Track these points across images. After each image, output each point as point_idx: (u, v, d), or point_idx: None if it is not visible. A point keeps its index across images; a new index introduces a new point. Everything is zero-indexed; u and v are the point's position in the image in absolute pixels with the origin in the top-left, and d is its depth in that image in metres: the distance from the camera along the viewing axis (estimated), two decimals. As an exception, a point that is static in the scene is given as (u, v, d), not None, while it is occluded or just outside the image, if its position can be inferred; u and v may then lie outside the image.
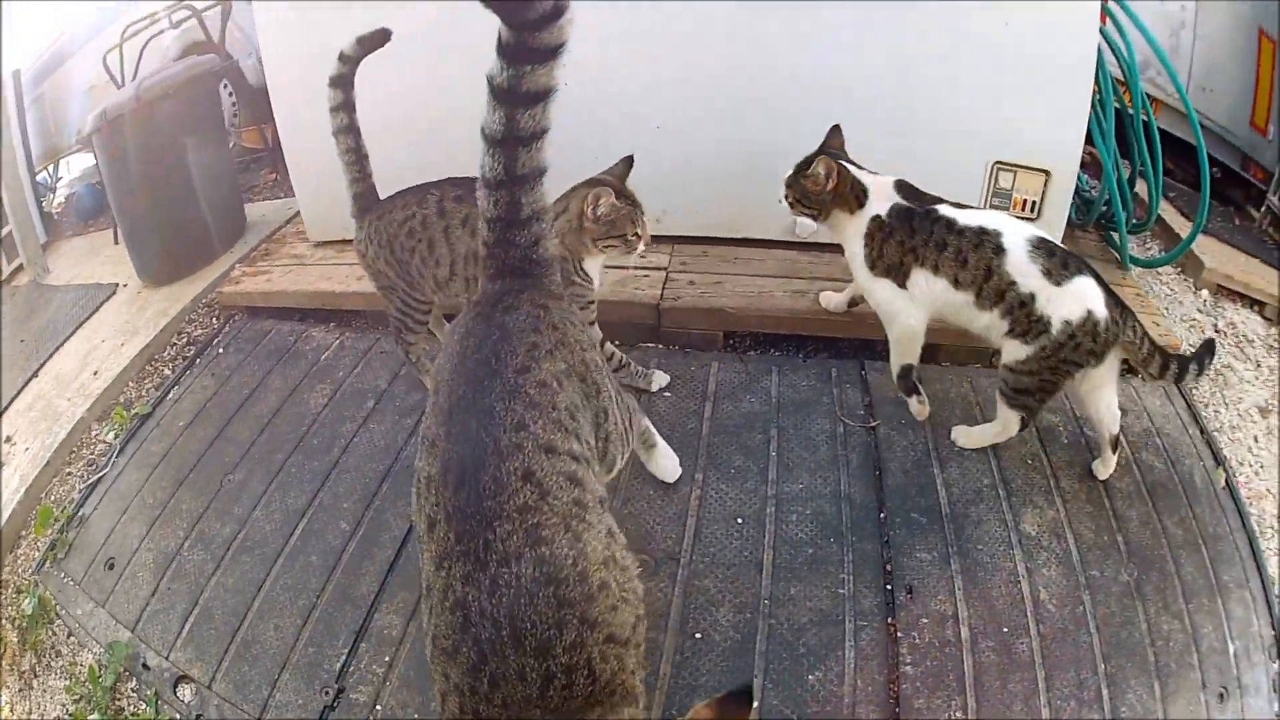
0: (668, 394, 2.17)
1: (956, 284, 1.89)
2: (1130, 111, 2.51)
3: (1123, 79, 2.47)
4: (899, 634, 1.67)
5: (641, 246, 1.91)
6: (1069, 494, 1.99)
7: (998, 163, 2.38)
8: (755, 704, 1.49)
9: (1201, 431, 2.32)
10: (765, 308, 2.31)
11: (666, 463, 1.89)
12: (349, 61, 1.92)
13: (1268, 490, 2.33)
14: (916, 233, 1.91)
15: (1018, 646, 1.68)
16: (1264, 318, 2.88)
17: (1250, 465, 2.39)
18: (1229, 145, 3.43)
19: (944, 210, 1.92)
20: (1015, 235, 1.86)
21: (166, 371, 2.64)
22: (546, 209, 1.34)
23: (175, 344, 2.75)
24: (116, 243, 3.12)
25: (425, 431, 1.19)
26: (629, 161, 1.95)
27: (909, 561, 1.78)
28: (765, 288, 2.39)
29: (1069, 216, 2.47)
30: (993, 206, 2.42)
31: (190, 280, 2.86)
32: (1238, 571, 1.96)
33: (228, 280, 2.68)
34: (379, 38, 1.90)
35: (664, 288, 2.40)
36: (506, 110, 1.19)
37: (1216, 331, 2.71)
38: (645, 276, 2.41)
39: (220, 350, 2.61)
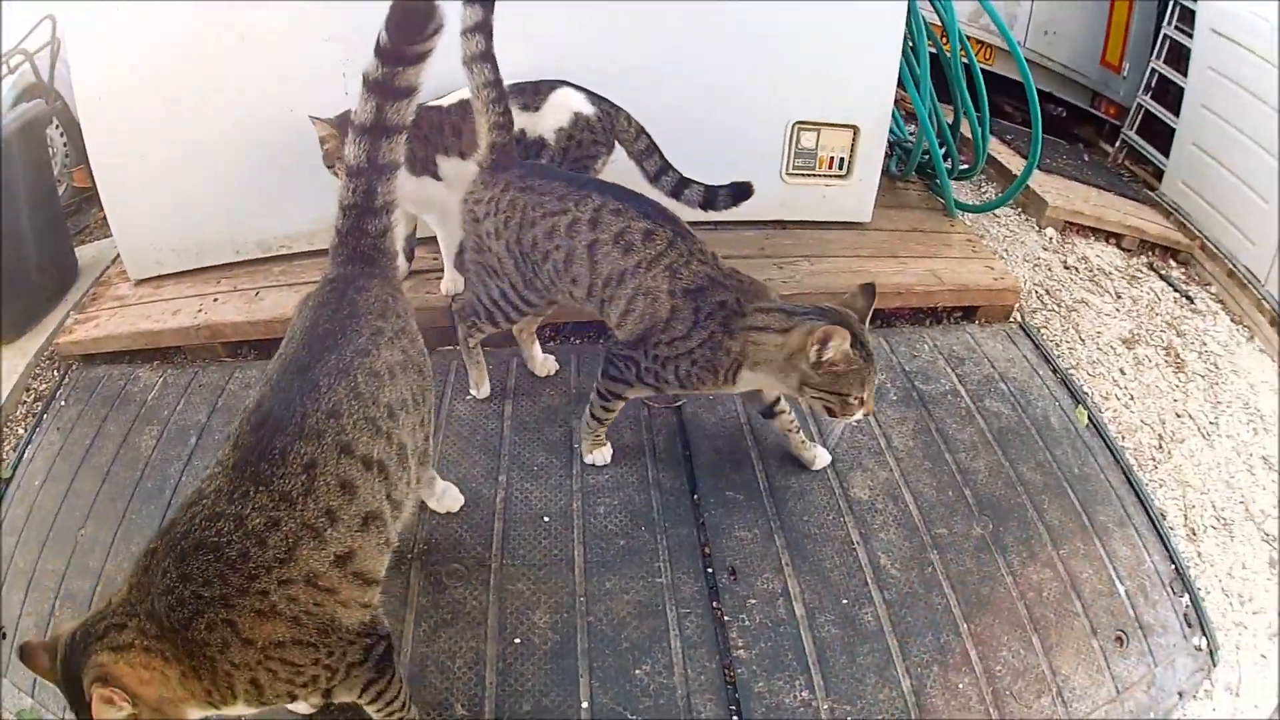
0: (469, 396, 2.09)
1: (462, 155, 2.06)
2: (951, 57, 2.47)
3: (941, 24, 2.43)
4: (726, 618, 1.61)
5: (859, 415, 1.56)
6: (902, 452, 1.94)
7: (798, 123, 2.32)
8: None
9: (1054, 371, 2.29)
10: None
11: (452, 494, 1.80)
12: None
13: (1141, 422, 2.30)
14: (422, 125, 2.04)
15: (862, 617, 1.64)
16: (1122, 249, 2.88)
17: (1118, 399, 2.36)
18: (1076, 85, 3.44)
19: (436, 101, 2.08)
20: None
21: (20, 431, 2.55)
22: (396, 203, 1.42)
23: (25, 401, 2.66)
24: (-31, 299, 2.97)
25: (270, 364, 1.26)
26: (871, 293, 1.58)
27: (728, 542, 1.73)
28: (555, 279, 2.31)
29: (889, 168, 2.43)
30: (796, 169, 2.38)
31: (34, 334, 2.75)
32: (1115, 510, 1.93)
33: (63, 330, 2.58)
34: None
35: (454, 289, 2.32)
36: (378, 101, 1.31)
37: (1066, 268, 2.69)
38: (437, 278, 2.32)
39: (63, 403, 2.52)
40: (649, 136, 2.06)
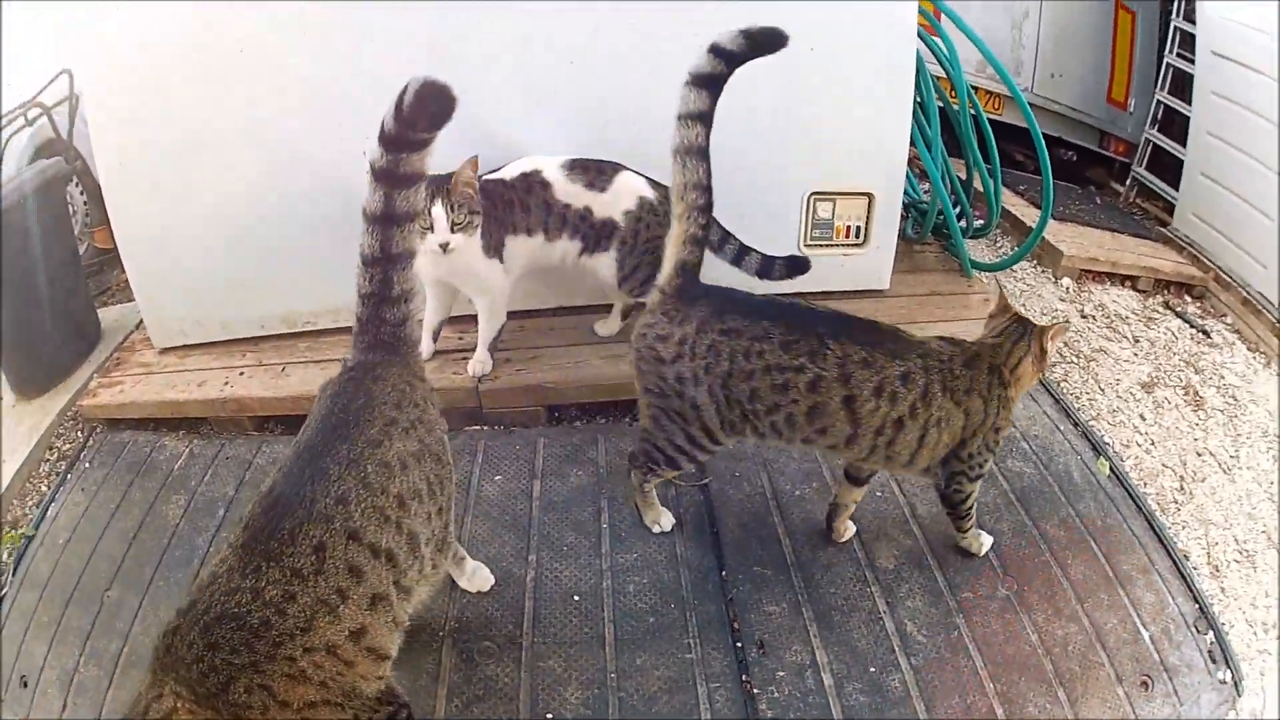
0: (497, 477, 2.11)
1: (529, 231, 2.09)
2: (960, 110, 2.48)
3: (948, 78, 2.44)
4: (755, 690, 1.62)
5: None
6: (926, 520, 1.95)
7: (814, 193, 2.32)
8: None
9: (1075, 424, 2.30)
10: (584, 377, 2.26)
11: (482, 574, 1.80)
12: (727, 60, 1.43)
13: (1163, 465, 2.31)
14: (496, 204, 2.03)
15: (889, 683, 1.64)
16: (1137, 291, 2.87)
17: (1139, 445, 2.37)
18: (1084, 126, 3.45)
19: (495, 174, 2.09)
20: (551, 166, 2.08)
21: (44, 488, 2.58)
22: (416, 290, 1.43)
23: (48, 459, 2.69)
24: (-9, 352, 2.99)
25: (287, 451, 1.30)
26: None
27: (756, 617, 1.74)
28: (582, 356, 2.33)
29: (905, 231, 2.42)
30: (814, 240, 2.40)
31: (56, 393, 2.77)
32: (1139, 557, 1.94)
33: (87, 393, 2.60)
34: (773, 39, 1.44)
35: (482, 368, 2.35)
36: (385, 190, 1.31)
37: (1084, 317, 2.69)
38: (463, 359, 2.33)
39: (87, 465, 2.55)
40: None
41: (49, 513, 2.41)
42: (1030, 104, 2.38)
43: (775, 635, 1.70)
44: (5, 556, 2.32)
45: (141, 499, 2.31)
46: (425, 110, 1.25)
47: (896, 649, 1.70)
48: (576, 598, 1.78)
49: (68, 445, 2.67)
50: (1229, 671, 1.72)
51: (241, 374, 2.39)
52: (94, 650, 1.91)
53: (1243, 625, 1.85)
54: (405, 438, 1.30)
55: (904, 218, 2.60)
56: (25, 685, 1.90)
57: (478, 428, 2.30)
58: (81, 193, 3.24)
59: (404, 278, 1.40)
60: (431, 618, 1.73)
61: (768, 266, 2.11)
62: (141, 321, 2.61)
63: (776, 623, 1.73)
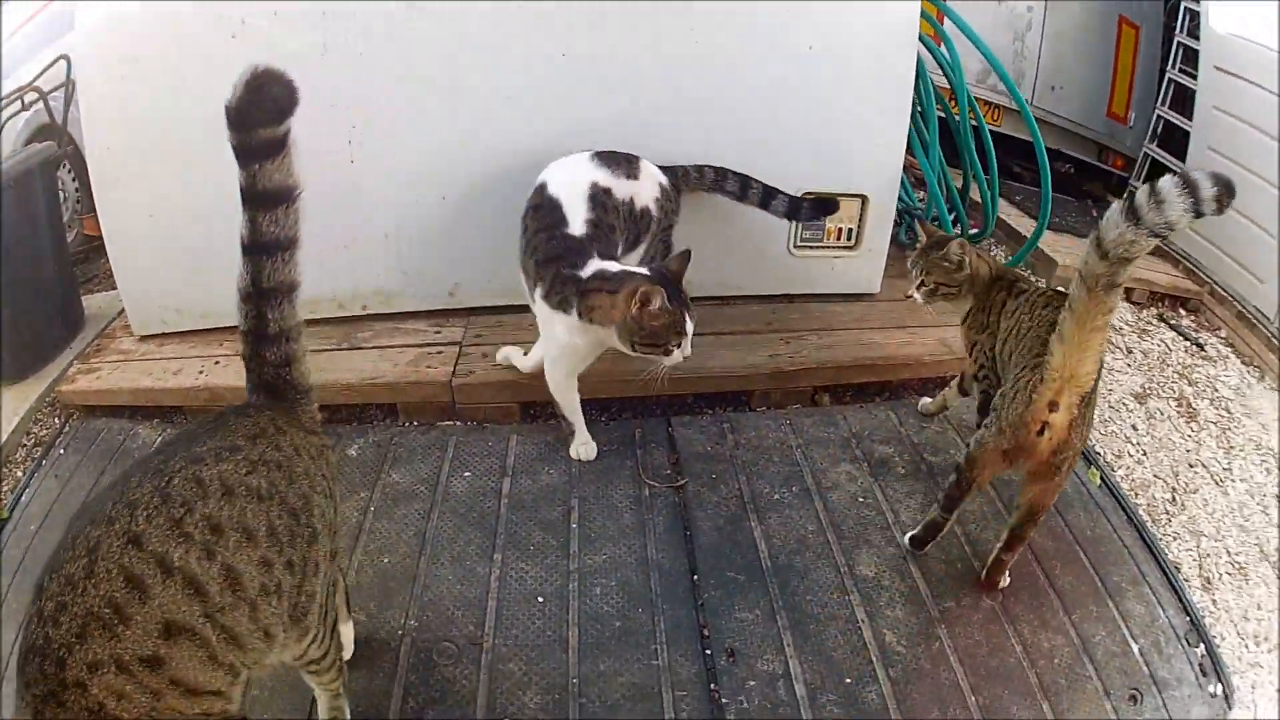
0: (466, 473, 2.06)
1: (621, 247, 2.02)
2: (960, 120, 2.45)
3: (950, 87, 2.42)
4: (724, 700, 1.56)
5: None
6: (910, 527, 1.89)
7: (807, 193, 2.28)
8: None
9: (1066, 434, 2.25)
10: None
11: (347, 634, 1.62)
12: None
13: (1154, 476, 2.28)
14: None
15: (865, 695, 1.59)
16: (1132, 303, 2.86)
17: (1130, 455, 2.35)
18: (1083, 140, 3.43)
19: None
20: (590, 168, 2.03)
21: (19, 474, 2.55)
22: (300, 329, 1.27)
23: (25, 445, 2.66)
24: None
25: None
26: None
27: (728, 624, 1.68)
28: (560, 353, 2.28)
29: (898, 237, 2.39)
30: (804, 241, 2.36)
31: (36, 378, 2.75)
32: (1129, 569, 1.90)
33: (66, 379, 2.58)
34: None
35: (456, 364, 2.29)
36: (250, 213, 1.17)
37: (1077, 329, 2.66)
38: (439, 353, 2.31)
39: (61, 451, 2.52)
40: (710, 167, 2.13)
41: (22, 499, 2.38)
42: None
43: (747, 643, 1.65)
44: (-23, 541, 2.29)
45: (112, 487, 2.28)
46: (261, 102, 1.12)
47: (874, 659, 1.64)
48: (540, 599, 1.73)
49: (45, 431, 2.64)
50: (1220, 685, 1.69)
51: (217, 363, 2.36)
52: (62, 641, 1.89)
53: (1234, 638, 1.82)
54: (245, 469, 1.14)
55: (897, 224, 2.57)
56: (-1, 678, 1.86)
57: (450, 423, 2.27)
58: (74, 179, 3.23)
59: (280, 315, 1.23)
60: (390, 615, 1.68)
61: (795, 207, 2.17)
62: (124, 309, 2.59)
63: (749, 630, 1.68)
